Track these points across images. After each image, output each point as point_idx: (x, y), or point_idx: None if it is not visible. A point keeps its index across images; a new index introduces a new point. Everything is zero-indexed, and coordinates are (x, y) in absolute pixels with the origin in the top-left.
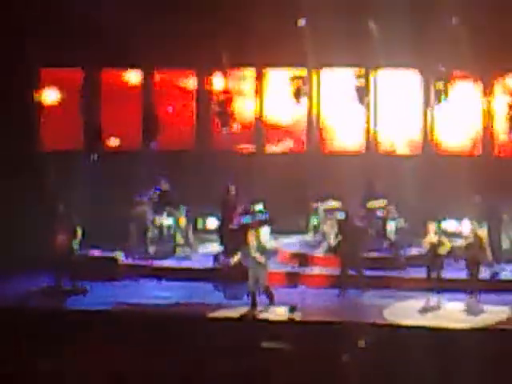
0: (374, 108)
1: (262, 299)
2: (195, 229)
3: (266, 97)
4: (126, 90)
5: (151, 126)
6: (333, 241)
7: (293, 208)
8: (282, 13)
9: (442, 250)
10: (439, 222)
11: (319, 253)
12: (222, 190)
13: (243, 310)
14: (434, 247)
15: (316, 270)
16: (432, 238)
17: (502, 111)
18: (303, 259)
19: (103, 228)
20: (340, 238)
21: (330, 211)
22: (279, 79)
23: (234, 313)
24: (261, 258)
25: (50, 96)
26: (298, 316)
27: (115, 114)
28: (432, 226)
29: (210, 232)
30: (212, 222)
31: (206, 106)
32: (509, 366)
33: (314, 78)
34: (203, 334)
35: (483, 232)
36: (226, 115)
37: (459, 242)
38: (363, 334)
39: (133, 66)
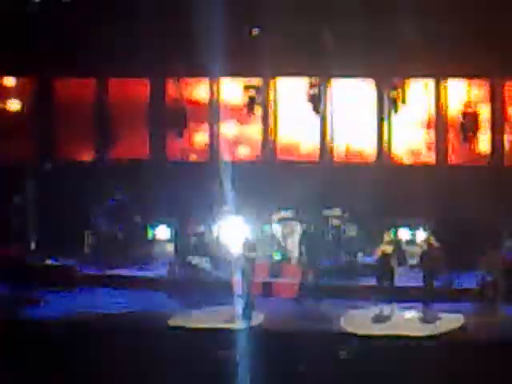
0: (329, 117)
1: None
2: (149, 238)
3: (222, 106)
4: (78, 99)
5: (105, 137)
6: (291, 251)
7: (247, 216)
8: (236, 23)
9: (395, 260)
10: (394, 231)
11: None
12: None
13: (201, 317)
14: (387, 256)
15: (272, 280)
16: (385, 247)
17: (455, 119)
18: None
19: (59, 238)
20: (302, 247)
21: (283, 221)
22: (234, 89)
23: (190, 321)
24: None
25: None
26: (253, 324)
27: (68, 124)
28: (386, 236)
29: (164, 241)
30: (165, 231)
31: (159, 116)
32: (464, 373)
33: (268, 87)
34: (160, 343)
35: (437, 241)
36: (182, 125)
37: (414, 251)
38: (321, 343)
39: (86, 75)
